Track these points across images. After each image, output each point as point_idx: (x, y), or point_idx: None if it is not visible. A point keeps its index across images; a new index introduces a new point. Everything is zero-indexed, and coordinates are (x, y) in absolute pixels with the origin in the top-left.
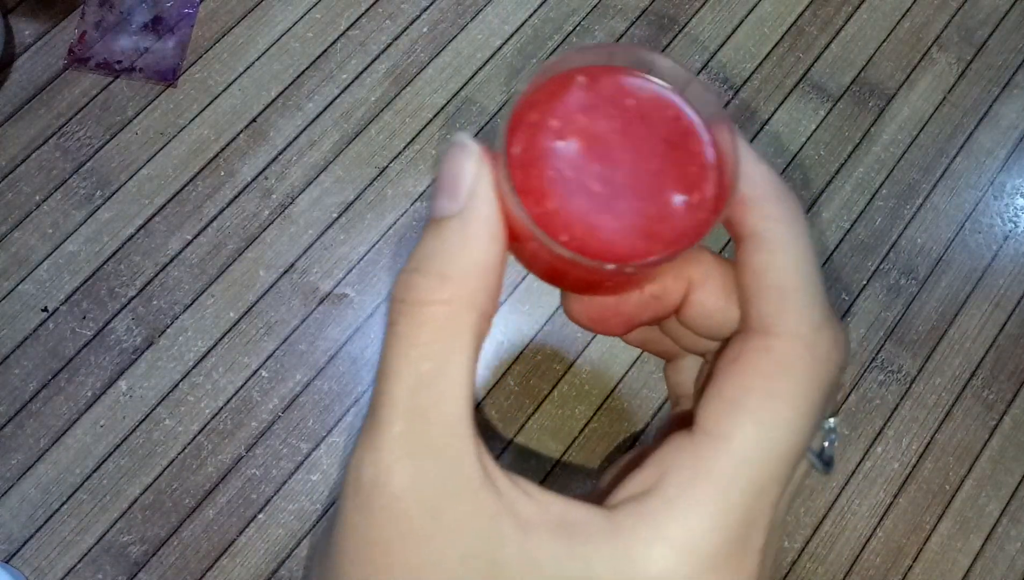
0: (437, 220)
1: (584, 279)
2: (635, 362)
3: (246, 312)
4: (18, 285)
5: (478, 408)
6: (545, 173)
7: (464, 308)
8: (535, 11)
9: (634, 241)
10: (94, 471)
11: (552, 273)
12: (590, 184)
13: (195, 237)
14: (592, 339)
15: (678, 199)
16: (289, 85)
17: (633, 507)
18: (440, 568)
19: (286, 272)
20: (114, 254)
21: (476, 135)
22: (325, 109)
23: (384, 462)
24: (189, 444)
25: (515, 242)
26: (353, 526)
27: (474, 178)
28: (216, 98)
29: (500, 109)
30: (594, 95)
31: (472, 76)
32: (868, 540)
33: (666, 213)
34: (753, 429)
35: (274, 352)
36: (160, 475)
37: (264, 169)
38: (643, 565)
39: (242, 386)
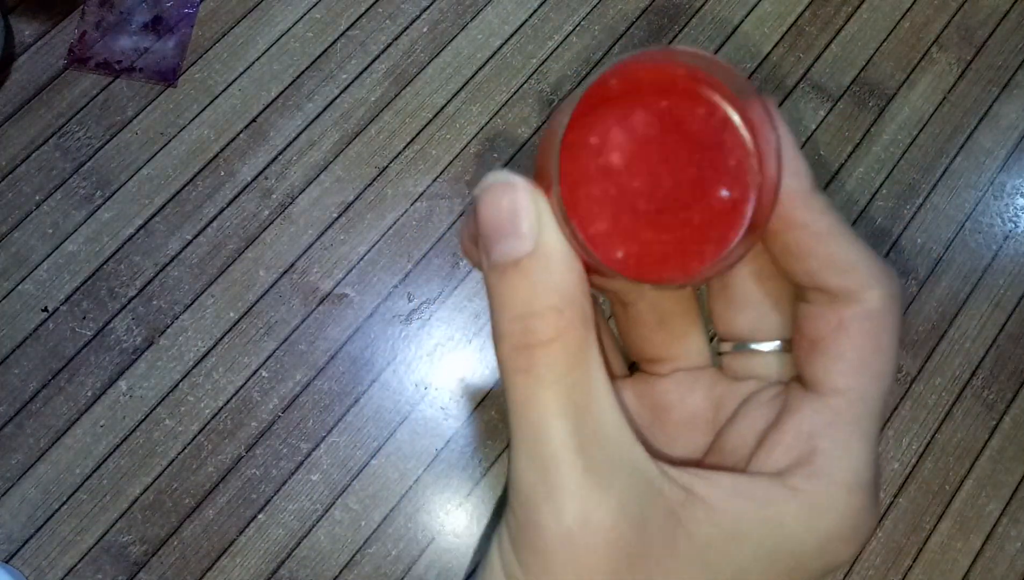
0: (511, 264)
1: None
2: None
3: (246, 312)
4: (18, 285)
5: (480, 404)
6: (593, 194)
7: (585, 329)
8: (535, 11)
9: (687, 253)
10: (94, 471)
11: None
12: (635, 202)
13: (195, 237)
14: None
15: (723, 197)
16: (289, 85)
17: (804, 470)
18: (663, 566)
19: (286, 272)
20: (114, 254)
21: (475, 135)
22: (325, 109)
23: (584, 500)
24: (189, 444)
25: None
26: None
27: (535, 212)
28: (216, 98)
29: (500, 110)
30: (627, 105)
31: (472, 76)
32: (868, 540)
33: (711, 217)
34: (874, 381)
35: (274, 352)
36: (160, 475)
37: (264, 169)
38: (827, 512)
39: (242, 386)
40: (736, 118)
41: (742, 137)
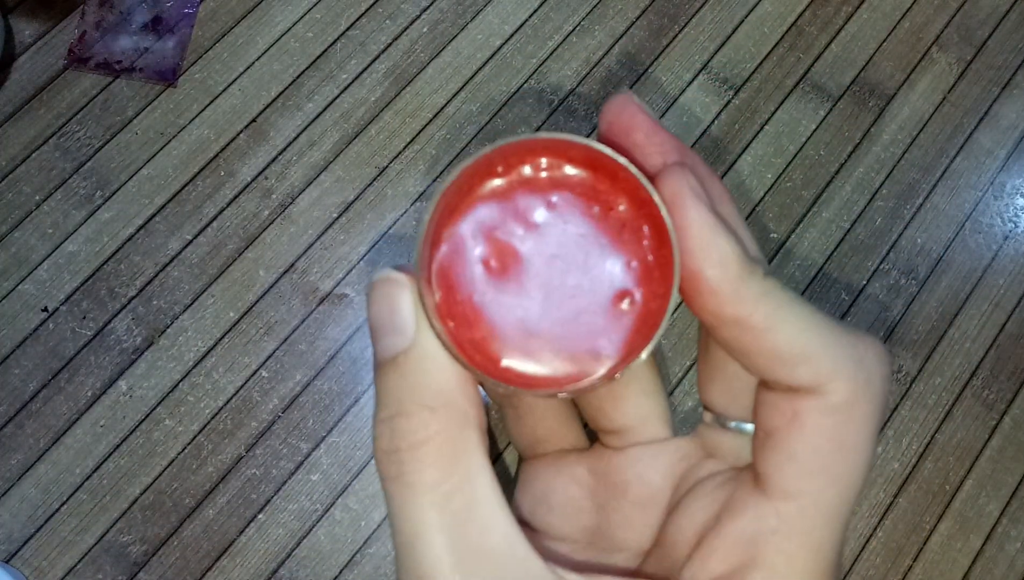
0: (389, 360)
1: (530, 399)
2: None
3: (246, 312)
4: (18, 285)
5: None
6: (473, 298)
7: (462, 429)
8: (535, 11)
9: (571, 362)
10: (94, 471)
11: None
12: (515, 308)
13: (195, 237)
14: None
15: (612, 305)
16: (289, 85)
17: None
18: None
19: (286, 272)
20: (114, 254)
21: (475, 135)
22: (325, 109)
23: None
24: (189, 444)
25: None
26: None
27: (413, 309)
28: (216, 98)
29: (500, 110)
30: (508, 203)
31: (472, 76)
32: (868, 540)
33: (598, 325)
34: (832, 487)
35: (274, 352)
36: (160, 475)
37: (264, 169)
38: None
39: (242, 386)
40: (631, 216)
41: (639, 233)
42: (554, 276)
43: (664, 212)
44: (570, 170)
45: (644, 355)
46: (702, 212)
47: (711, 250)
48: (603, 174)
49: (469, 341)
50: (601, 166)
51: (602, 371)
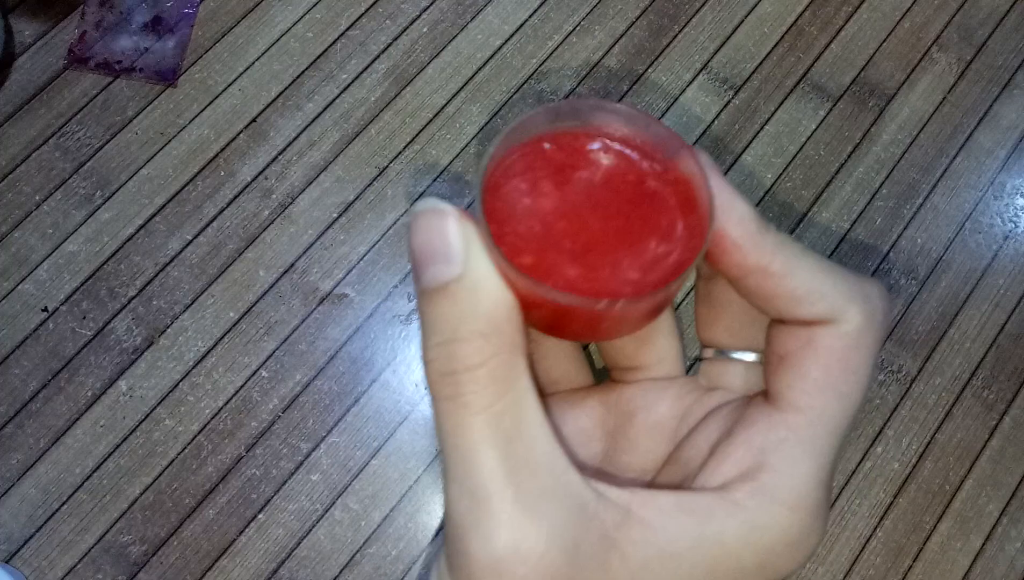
0: (439, 288)
1: (579, 323)
2: None
3: (246, 312)
4: (18, 285)
5: None
6: (519, 230)
7: (512, 355)
8: (535, 11)
9: (610, 291)
10: (94, 471)
11: (548, 320)
12: (561, 241)
13: (195, 237)
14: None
15: (650, 247)
16: (289, 85)
17: (748, 485)
18: None
19: (286, 272)
20: (114, 254)
21: (475, 135)
22: (325, 109)
23: (513, 529)
24: (189, 444)
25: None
26: None
27: (463, 238)
28: (216, 98)
29: (500, 110)
30: (558, 163)
31: (472, 76)
32: (868, 540)
33: (639, 261)
34: (838, 402)
35: (274, 352)
36: (160, 475)
37: (264, 169)
38: (767, 528)
39: (242, 386)
40: (665, 179)
41: (669, 199)
42: (594, 221)
43: (699, 178)
44: (619, 141)
45: (696, 262)
46: (721, 180)
47: (732, 211)
48: (639, 151)
49: (520, 265)
50: (638, 147)
51: (656, 279)
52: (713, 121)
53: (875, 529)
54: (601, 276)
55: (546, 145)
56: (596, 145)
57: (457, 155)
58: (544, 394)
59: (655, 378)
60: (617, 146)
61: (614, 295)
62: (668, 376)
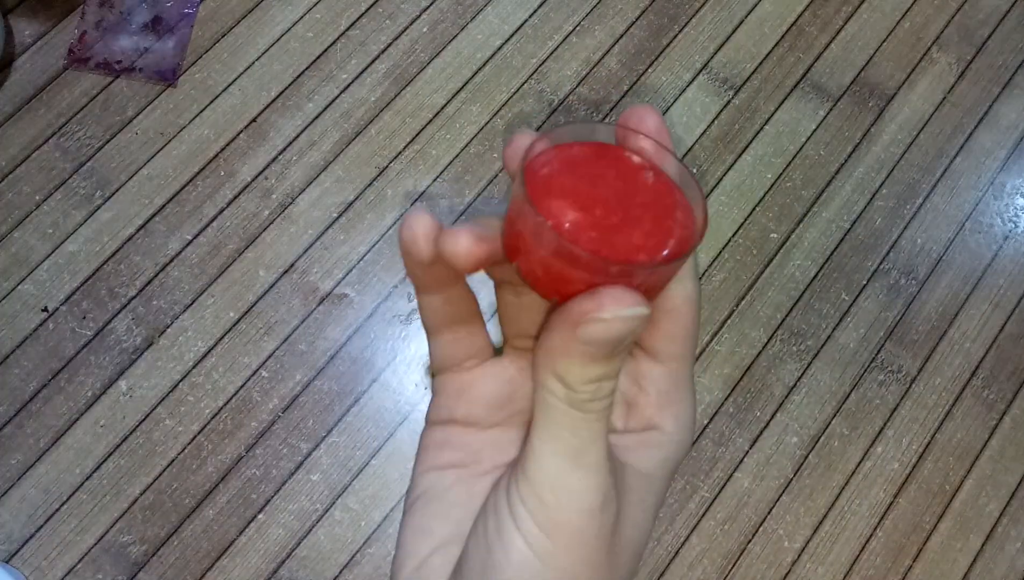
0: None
1: (583, 285)
2: None
3: (246, 312)
4: (18, 285)
5: None
6: (557, 189)
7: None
8: (535, 11)
9: (632, 252)
10: (94, 471)
11: (558, 281)
12: (593, 208)
13: (195, 237)
14: None
15: (666, 222)
16: (289, 85)
17: (670, 421)
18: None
19: (286, 272)
20: (114, 254)
21: (475, 135)
22: (325, 109)
23: (607, 486)
24: (189, 444)
25: (524, 254)
26: None
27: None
28: (216, 98)
29: (500, 110)
30: (590, 161)
31: (472, 76)
32: (868, 540)
33: (658, 230)
34: (694, 348)
35: (274, 352)
36: (160, 475)
37: (264, 169)
38: (687, 443)
39: (242, 386)
40: (678, 192)
41: (680, 200)
42: (620, 201)
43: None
44: (630, 156)
45: (695, 247)
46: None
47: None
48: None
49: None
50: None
51: (662, 255)
52: (713, 121)
53: (875, 529)
54: (619, 246)
55: (578, 149)
56: (626, 154)
57: (457, 155)
58: (508, 348)
59: None
60: (638, 160)
61: (629, 262)
62: None
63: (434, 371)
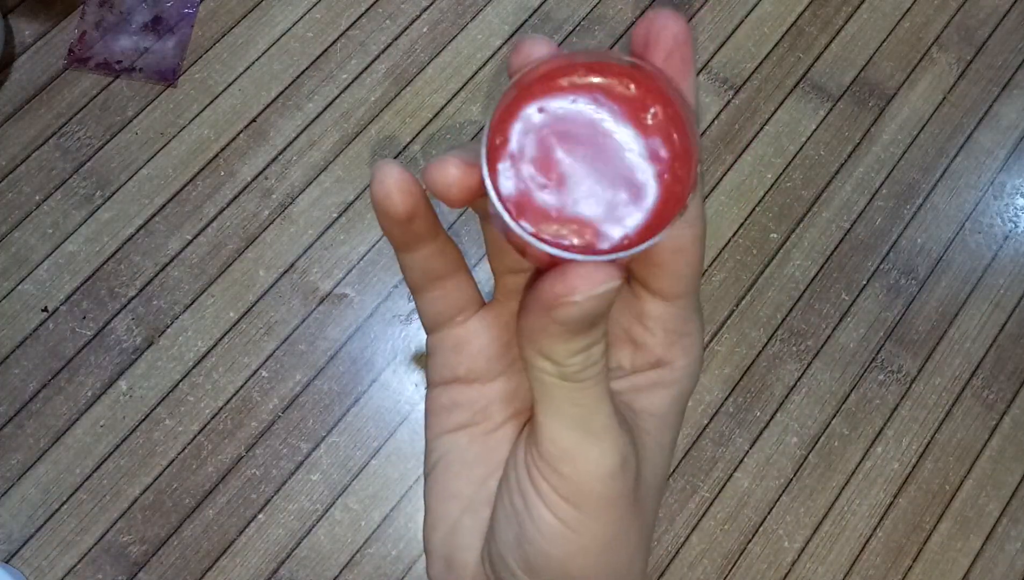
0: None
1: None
2: None
3: (246, 312)
4: (18, 285)
5: None
6: (530, 203)
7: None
8: (535, 11)
9: (612, 229)
10: (94, 471)
11: (535, 261)
12: (571, 191)
13: (195, 237)
14: None
15: (640, 183)
16: (289, 85)
17: (680, 358)
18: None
19: (286, 272)
20: (114, 254)
21: (475, 135)
22: (325, 109)
23: (621, 449)
24: (189, 444)
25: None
26: None
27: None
28: (216, 98)
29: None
30: (577, 121)
31: (472, 76)
32: (868, 540)
33: (632, 198)
34: (697, 285)
35: (274, 352)
36: (160, 475)
37: (264, 169)
38: (696, 374)
39: (242, 386)
40: (647, 140)
41: (657, 149)
42: (587, 167)
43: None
44: (604, 79)
45: (682, 212)
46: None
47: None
48: (639, 84)
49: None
50: (639, 78)
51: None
52: (713, 121)
53: (875, 529)
54: (595, 230)
55: (542, 88)
56: (586, 103)
57: None
58: (500, 289)
59: None
60: (611, 88)
61: (601, 253)
62: None
63: (427, 330)
